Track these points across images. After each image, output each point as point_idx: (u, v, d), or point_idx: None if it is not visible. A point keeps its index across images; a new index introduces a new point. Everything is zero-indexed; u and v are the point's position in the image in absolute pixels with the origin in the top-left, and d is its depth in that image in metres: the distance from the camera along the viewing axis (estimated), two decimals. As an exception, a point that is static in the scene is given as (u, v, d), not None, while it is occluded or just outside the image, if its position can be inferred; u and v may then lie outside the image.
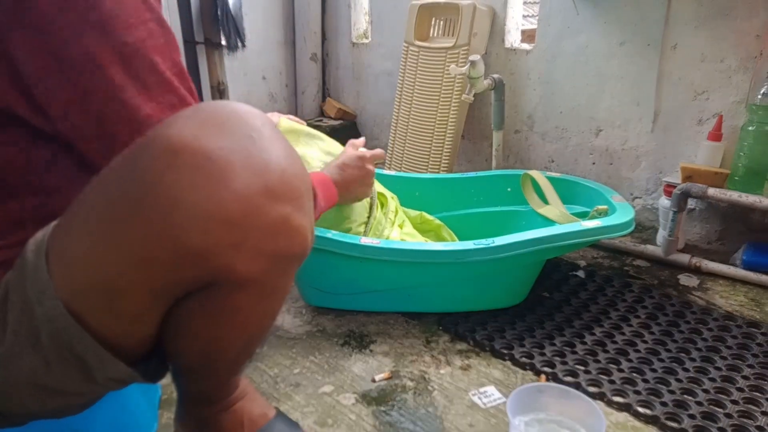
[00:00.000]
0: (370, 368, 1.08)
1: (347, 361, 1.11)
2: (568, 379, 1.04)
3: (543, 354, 1.11)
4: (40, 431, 0.64)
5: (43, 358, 0.54)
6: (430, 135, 1.95)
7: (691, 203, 1.60)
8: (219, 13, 2.10)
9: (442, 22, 1.99)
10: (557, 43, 1.76)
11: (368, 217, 1.25)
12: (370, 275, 1.21)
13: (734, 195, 1.37)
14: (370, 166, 1.09)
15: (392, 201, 1.37)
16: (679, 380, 1.03)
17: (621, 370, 1.06)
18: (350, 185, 1.05)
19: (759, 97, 1.37)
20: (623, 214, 1.25)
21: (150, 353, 0.60)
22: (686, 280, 1.46)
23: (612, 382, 1.03)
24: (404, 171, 2.01)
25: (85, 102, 0.54)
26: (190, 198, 0.48)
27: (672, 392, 1.00)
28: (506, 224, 1.52)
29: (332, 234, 1.14)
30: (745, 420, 0.93)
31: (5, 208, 0.59)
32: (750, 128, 1.38)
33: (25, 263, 0.53)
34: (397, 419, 0.95)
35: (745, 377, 1.05)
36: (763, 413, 0.95)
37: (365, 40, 2.37)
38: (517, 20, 1.92)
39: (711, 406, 0.97)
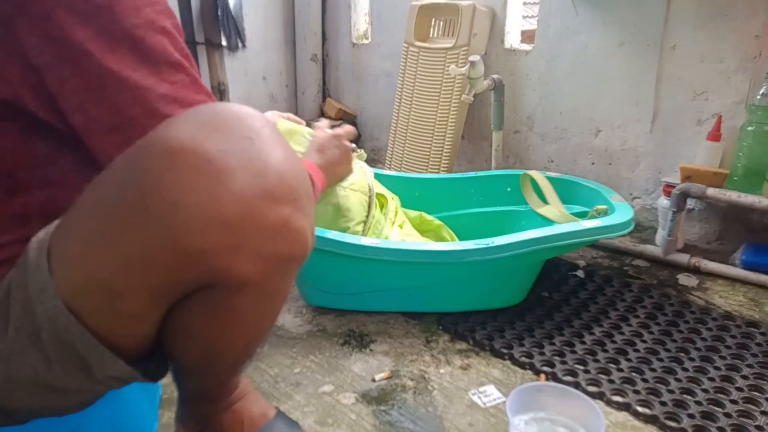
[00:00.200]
0: (370, 368, 1.08)
1: (347, 360, 1.11)
2: (568, 378, 1.04)
3: (542, 354, 1.11)
4: (41, 430, 0.64)
5: (44, 355, 0.54)
6: (430, 135, 1.95)
7: (691, 203, 1.60)
8: (219, 13, 2.10)
9: (442, 23, 1.99)
10: (557, 43, 1.77)
11: (366, 216, 1.25)
12: (370, 275, 1.21)
13: (733, 195, 1.37)
14: (347, 143, 1.09)
15: (392, 201, 1.37)
16: (678, 380, 1.04)
17: (620, 370, 1.07)
18: (334, 166, 1.04)
19: (758, 97, 1.37)
20: (622, 214, 1.25)
21: (150, 352, 0.60)
22: (685, 280, 1.46)
23: (611, 381, 1.03)
24: (404, 171, 2.02)
25: (98, 88, 0.54)
26: (190, 200, 0.48)
27: (671, 392, 1.00)
28: (506, 224, 1.52)
29: (332, 234, 1.14)
30: (744, 420, 0.94)
31: (11, 203, 0.59)
32: (749, 128, 1.38)
33: (27, 262, 0.54)
34: (397, 419, 0.95)
35: (744, 377, 1.05)
36: (763, 413, 0.95)
37: (365, 41, 2.37)
38: (517, 20, 1.92)
39: (710, 406, 0.97)
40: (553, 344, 1.15)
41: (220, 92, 2.19)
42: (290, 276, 0.60)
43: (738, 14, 1.43)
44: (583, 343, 1.15)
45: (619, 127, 1.71)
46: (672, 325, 1.22)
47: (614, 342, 1.16)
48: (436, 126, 1.93)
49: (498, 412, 0.97)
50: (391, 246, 1.14)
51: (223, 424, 0.71)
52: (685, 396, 0.99)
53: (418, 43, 1.98)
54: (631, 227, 1.24)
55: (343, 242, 1.13)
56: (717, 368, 1.07)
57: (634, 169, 1.72)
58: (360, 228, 1.24)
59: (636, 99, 1.65)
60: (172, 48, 0.58)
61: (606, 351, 1.13)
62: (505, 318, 1.25)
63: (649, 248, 1.57)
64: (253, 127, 0.52)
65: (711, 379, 1.04)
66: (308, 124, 1.20)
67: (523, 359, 1.10)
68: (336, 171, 1.06)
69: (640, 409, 0.96)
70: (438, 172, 1.92)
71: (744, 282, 1.43)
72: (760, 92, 1.36)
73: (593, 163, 1.80)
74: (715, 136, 1.45)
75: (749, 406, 0.97)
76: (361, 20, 2.39)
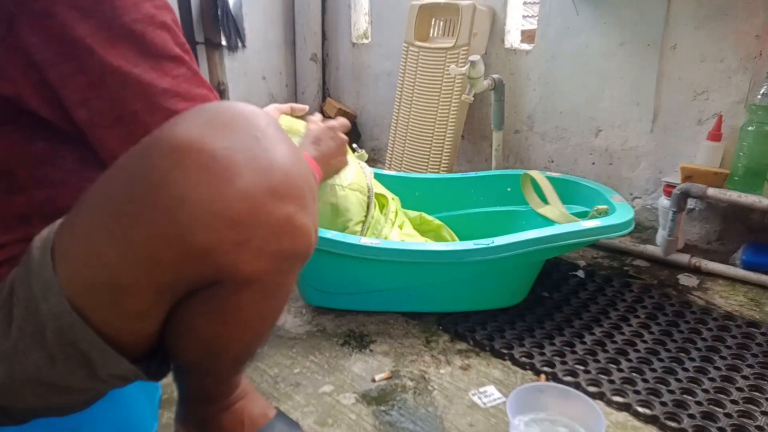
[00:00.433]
0: (370, 368, 1.08)
1: (347, 360, 1.11)
2: (568, 378, 1.04)
3: (543, 354, 1.11)
4: (42, 430, 0.64)
5: (48, 354, 0.54)
6: (430, 135, 1.95)
7: (691, 203, 1.60)
8: (219, 13, 2.10)
9: (442, 23, 1.99)
10: (557, 43, 1.77)
11: (365, 216, 1.25)
12: (370, 275, 1.21)
13: (734, 195, 1.37)
14: (342, 135, 1.08)
15: (392, 202, 1.37)
16: (678, 380, 1.04)
17: (621, 370, 1.07)
18: (329, 159, 1.04)
19: (759, 97, 1.37)
20: (623, 214, 1.25)
21: (153, 351, 0.61)
22: (686, 280, 1.46)
23: (612, 381, 1.03)
24: (404, 171, 2.02)
25: (101, 84, 0.55)
26: (195, 197, 0.48)
27: (672, 392, 1.00)
28: (506, 224, 1.52)
29: (332, 234, 1.14)
30: (744, 420, 0.94)
31: (12, 202, 0.59)
32: (750, 128, 1.38)
33: (30, 260, 0.54)
34: (397, 419, 0.95)
35: (744, 377, 1.05)
36: (763, 413, 0.95)
37: (365, 41, 2.37)
38: (517, 20, 1.92)
39: (711, 406, 0.97)
40: (554, 344, 1.15)
41: (220, 92, 2.19)
42: (293, 273, 0.60)
43: (738, 14, 1.43)
44: (584, 343, 1.15)
45: (619, 127, 1.71)
46: (672, 325, 1.22)
47: (614, 342, 1.16)
48: (436, 126, 1.93)
49: (498, 412, 0.97)
50: (391, 246, 1.14)
51: (223, 424, 0.71)
52: (685, 396, 0.99)
53: (418, 43, 1.98)
54: (632, 227, 1.24)
55: (342, 242, 1.13)
56: (717, 368, 1.07)
57: (635, 168, 1.72)
58: (359, 228, 1.24)
59: (636, 99, 1.65)
60: (172, 42, 0.58)
61: (606, 351, 1.13)
62: (506, 318, 1.25)
63: (649, 248, 1.57)
64: (259, 126, 0.53)
65: (711, 380, 1.04)
66: (303, 119, 1.19)
67: (524, 359, 1.10)
68: (331, 163, 1.05)
69: (640, 409, 0.96)
70: (438, 172, 1.92)
71: (744, 282, 1.43)
72: (761, 92, 1.36)
73: (593, 163, 1.80)
74: (715, 135, 1.45)
75: (750, 406, 0.97)
76: (361, 20, 2.39)
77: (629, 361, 1.09)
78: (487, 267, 1.18)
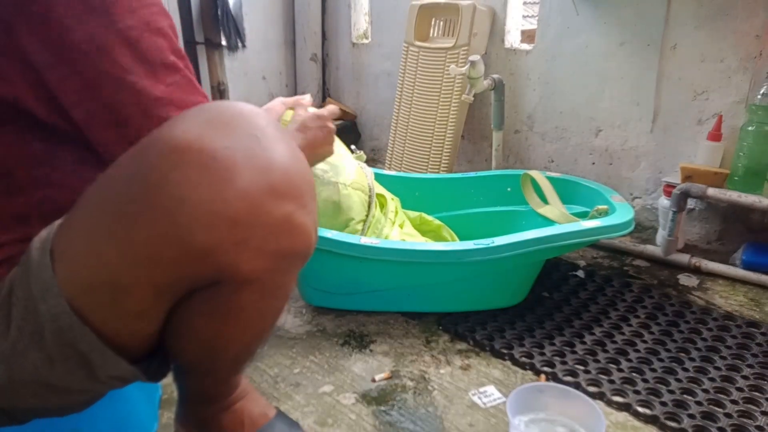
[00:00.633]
0: (370, 368, 1.08)
1: (347, 360, 1.11)
2: (568, 378, 1.04)
3: (543, 354, 1.11)
4: (42, 430, 0.64)
5: (46, 355, 0.54)
6: (430, 135, 1.95)
7: (691, 203, 1.60)
8: (219, 13, 2.10)
9: (442, 23, 1.99)
10: (557, 43, 1.77)
11: (366, 216, 1.25)
12: (370, 275, 1.21)
13: (734, 195, 1.37)
14: (331, 124, 1.05)
15: (392, 202, 1.37)
16: (678, 380, 1.04)
17: (621, 370, 1.07)
18: (316, 147, 1.00)
19: (759, 97, 1.37)
20: (623, 214, 1.25)
21: (152, 352, 0.60)
22: (686, 280, 1.46)
23: (612, 381, 1.03)
24: (404, 171, 2.02)
25: (96, 87, 0.55)
26: (195, 196, 0.48)
27: (672, 392, 1.00)
28: (506, 224, 1.52)
29: (332, 234, 1.14)
30: (744, 420, 0.94)
31: (11, 203, 0.59)
32: (750, 128, 1.38)
33: (29, 260, 0.54)
34: (397, 419, 0.95)
35: (744, 377, 1.05)
36: (763, 413, 0.95)
37: (365, 41, 2.37)
38: (517, 20, 1.92)
39: (711, 406, 0.97)
40: (554, 344, 1.15)
41: (220, 92, 2.19)
42: (293, 273, 0.60)
43: (738, 14, 1.43)
44: (584, 343, 1.15)
45: (619, 127, 1.71)
46: (672, 325, 1.22)
47: (614, 342, 1.16)
48: (436, 126, 1.93)
49: (498, 412, 0.97)
50: (391, 246, 1.14)
51: (223, 424, 0.71)
52: (685, 396, 0.99)
53: (418, 43, 1.98)
54: (632, 227, 1.24)
55: (342, 242, 1.13)
56: (717, 368, 1.07)
57: (635, 168, 1.72)
58: (360, 227, 1.24)
59: (636, 99, 1.65)
60: (168, 49, 0.58)
61: (606, 351, 1.13)
62: (505, 318, 1.25)
63: (649, 248, 1.57)
64: (258, 125, 0.53)
65: (711, 380, 1.04)
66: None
67: (524, 359, 1.10)
68: (317, 152, 1.01)
69: (640, 409, 0.96)
70: (438, 172, 1.92)
71: (744, 282, 1.43)
72: (761, 92, 1.36)
73: (593, 163, 1.80)
74: (715, 135, 1.45)
75: (750, 406, 0.97)
76: (361, 20, 2.39)
77: (629, 361, 1.09)
78: (487, 267, 1.18)
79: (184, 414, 0.72)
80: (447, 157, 1.92)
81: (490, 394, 1.01)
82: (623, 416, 0.96)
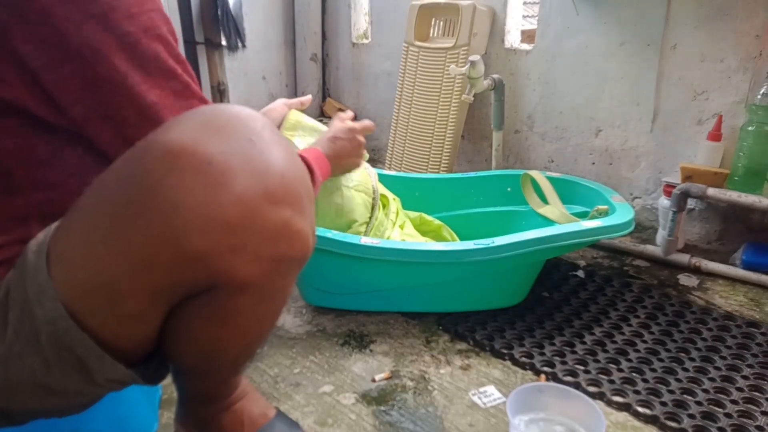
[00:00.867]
0: (370, 368, 1.08)
1: (347, 360, 1.11)
2: (568, 378, 1.04)
3: (543, 354, 1.11)
4: (41, 431, 0.64)
5: (43, 358, 0.54)
6: (430, 135, 1.95)
7: (691, 203, 1.60)
8: (219, 13, 2.10)
9: (442, 23, 1.99)
10: (557, 43, 1.77)
11: (370, 218, 1.25)
12: (370, 275, 1.21)
13: (734, 195, 1.37)
14: (361, 138, 1.08)
15: (393, 202, 1.37)
16: (678, 380, 1.04)
17: (621, 370, 1.06)
18: (342, 158, 1.03)
19: (759, 97, 1.37)
20: (623, 214, 1.25)
21: (150, 355, 0.60)
22: (686, 280, 1.46)
23: (612, 381, 1.03)
24: (404, 171, 2.02)
25: (95, 89, 0.55)
26: (191, 201, 0.48)
27: (672, 392, 1.00)
28: (506, 224, 1.52)
29: (332, 234, 1.14)
30: (744, 420, 0.94)
31: (10, 204, 0.59)
32: (750, 128, 1.38)
33: (26, 264, 0.54)
34: (397, 419, 0.95)
35: (744, 377, 1.05)
36: (763, 413, 0.95)
37: (365, 41, 2.37)
38: (517, 20, 1.92)
39: (711, 406, 0.97)
40: (554, 344, 1.15)
41: (220, 92, 2.19)
42: (291, 277, 0.60)
43: (738, 14, 1.43)
44: (584, 343, 1.15)
45: (619, 127, 1.71)
46: (672, 325, 1.22)
47: (614, 342, 1.16)
48: (436, 126, 1.93)
49: (498, 412, 0.97)
50: (391, 246, 1.14)
51: (223, 425, 0.71)
52: (685, 396, 0.99)
53: (418, 43, 1.98)
54: (632, 227, 1.23)
55: (343, 242, 1.13)
56: (717, 368, 1.07)
57: (635, 168, 1.72)
58: (363, 229, 1.24)
59: (636, 99, 1.65)
60: (165, 54, 0.58)
61: (606, 351, 1.13)
62: (506, 318, 1.25)
63: (649, 248, 1.56)
64: (254, 129, 0.53)
65: (711, 380, 1.04)
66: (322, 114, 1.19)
67: (524, 359, 1.10)
68: (343, 163, 1.05)
69: (640, 409, 0.96)
70: (438, 172, 1.92)
71: (744, 282, 1.43)
72: (761, 92, 1.36)
73: (593, 163, 1.80)
74: (715, 135, 1.45)
75: (750, 406, 0.97)
76: (361, 20, 2.39)
77: (629, 361, 1.09)
78: (487, 267, 1.18)
79: (184, 414, 0.72)
80: (447, 157, 1.92)
81: (490, 394, 1.01)
82: (623, 416, 0.96)
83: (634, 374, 1.05)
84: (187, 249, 0.48)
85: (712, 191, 1.39)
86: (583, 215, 1.40)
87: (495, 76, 1.68)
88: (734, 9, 1.43)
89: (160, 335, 0.58)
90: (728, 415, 0.94)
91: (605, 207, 1.32)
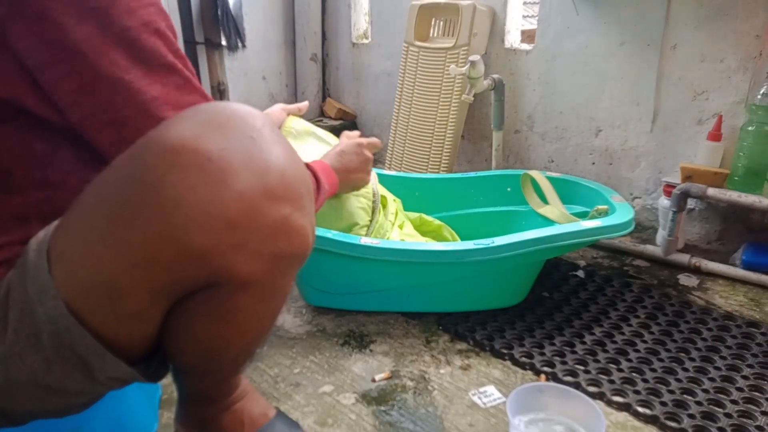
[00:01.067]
0: (370, 368, 1.08)
1: (347, 360, 1.11)
2: (568, 378, 1.04)
3: (543, 354, 1.11)
4: (41, 431, 0.64)
5: (44, 357, 0.54)
6: (430, 135, 1.95)
7: (691, 203, 1.60)
8: (219, 13, 2.10)
9: (442, 23, 1.99)
10: (557, 43, 1.77)
11: (370, 221, 1.25)
12: (370, 275, 1.21)
13: (734, 195, 1.37)
14: (368, 153, 1.09)
15: (393, 203, 1.37)
16: (678, 380, 1.04)
17: (621, 370, 1.06)
18: (350, 172, 1.05)
19: (759, 97, 1.37)
20: (623, 214, 1.25)
21: (151, 353, 0.60)
22: (686, 280, 1.46)
23: (612, 381, 1.03)
24: (404, 171, 2.02)
25: (91, 89, 0.55)
26: (191, 198, 0.48)
27: (672, 392, 1.00)
28: (506, 224, 1.52)
29: (332, 234, 1.14)
30: (744, 420, 0.94)
31: (10, 203, 0.59)
32: (749, 128, 1.38)
33: (26, 262, 0.54)
34: (397, 419, 0.95)
35: (744, 377, 1.05)
36: (763, 413, 0.95)
37: (365, 41, 2.37)
38: (517, 20, 1.92)
39: (711, 406, 0.97)
40: (554, 344, 1.15)
41: (220, 92, 2.19)
42: (291, 275, 0.60)
43: (738, 14, 1.43)
44: (584, 343, 1.15)
45: (619, 127, 1.71)
46: (672, 325, 1.22)
47: (614, 342, 1.16)
48: (436, 126, 1.93)
49: (498, 412, 0.97)
50: (391, 246, 1.14)
51: (223, 424, 0.71)
52: (685, 396, 0.99)
53: (418, 43, 1.98)
54: (632, 227, 1.23)
55: (343, 242, 1.13)
56: (717, 368, 1.07)
57: (635, 168, 1.72)
58: (363, 232, 1.24)
59: (636, 99, 1.65)
60: (165, 49, 0.58)
61: (606, 351, 1.13)
62: (506, 318, 1.25)
63: (649, 248, 1.56)
64: (255, 126, 0.53)
65: (711, 380, 1.04)
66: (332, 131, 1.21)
67: (524, 359, 1.10)
68: (351, 178, 1.07)
69: (640, 409, 0.96)
70: (438, 172, 1.92)
71: (744, 282, 1.43)
72: (761, 92, 1.36)
73: (593, 163, 1.80)
74: (715, 135, 1.45)
75: (750, 406, 0.97)
76: (361, 20, 2.39)
77: (629, 361, 1.09)
78: (487, 267, 1.18)
79: (184, 414, 0.72)
80: (447, 157, 1.92)
81: (490, 394, 1.01)
82: (623, 416, 0.96)
83: (634, 374, 1.05)
84: (187, 246, 0.48)
85: (712, 191, 1.39)
86: (583, 215, 1.40)
87: (495, 76, 1.68)
88: (734, 9, 1.43)
89: (161, 333, 0.58)
90: (728, 415, 0.94)
91: (605, 207, 1.32)
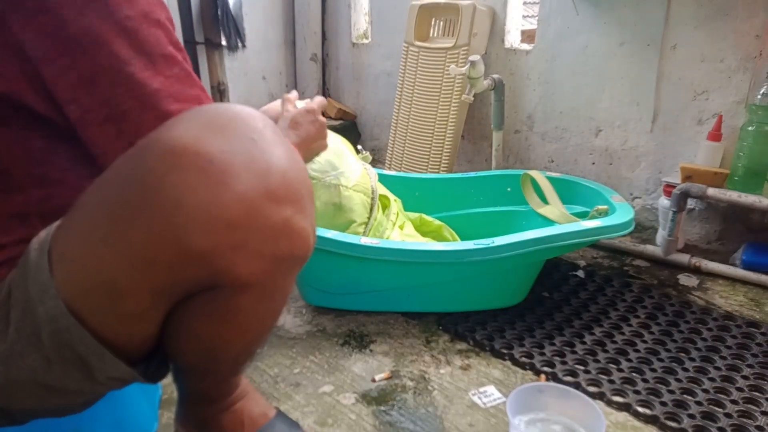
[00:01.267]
0: (370, 368, 1.08)
1: (347, 360, 1.11)
2: (568, 378, 1.04)
3: (543, 354, 1.11)
4: (41, 430, 0.64)
5: (44, 356, 0.54)
6: (430, 135, 1.95)
7: (691, 203, 1.60)
8: (219, 13, 2.10)
9: (442, 23, 1.99)
10: (557, 43, 1.77)
11: (368, 218, 1.25)
12: (370, 275, 1.21)
13: (734, 195, 1.37)
14: (321, 117, 1.03)
15: (394, 204, 1.37)
16: (678, 380, 1.04)
17: (621, 370, 1.06)
18: (309, 143, 0.98)
19: (759, 97, 1.37)
20: (623, 214, 1.25)
21: (151, 353, 0.60)
22: (686, 280, 1.46)
23: (612, 381, 1.03)
24: (404, 171, 2.02)
25: (92, 82, 0.54)
26: (192, 200, 0.48)
27: (672, 392, 1.00)
28: (506, 224, 1.52)
29: (332, 234, 1.14)
30: (744, 420, 0.94)
31: (10, 202, 0.59)
32: (750, 128, 1.38)
33: (27, 262, 0.54)
34: (397, 419, 0.95)
35: (744, 377, 1.05)
36: (763, 413, 0.95)
37: (365, 41, 2.37)
38: (517, 20, 1.92)
39: (711, 406, 0.97)
40: (554, 344, 1.15)
41: (220, 92, 2.19)
42: (292, 276, 0.60)
43: (738, 14, 1.43)
44: (584, 343, 1.15)
45: (619, 127, 1.71)
46: (672, 325, 1.22)
47: (614, 342, 1.16)
48: (436, 126, 1.93)
49: (498, 412, 0.97)
50: (391, 246, 1.14)
51: (223, 425, 0.71)
52: (685, 396, 0.99)
53: (418, 43, 1.98)
54: (632, 227, 1.24)
55: (343, 242, 1.13)
56: (717, 368, 1.07)
57: (635, 168, 1.72)
58: (361, 229, 1.24)
59: (636, 99, 1.65)
60: (166, 40, 0.58)
61: (606, 351, 1.13)
62: (506, 318, 1.25)
63: (649, 248, 1.57)
64: (256, 128, 0.53)
65: (711, 380, 1.04)
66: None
67: (524, 359, 1.10)
68: (311, 147, 0.98)
69: (640, 409, 0.96)
70: (438, 172, 1.92)
71: (744, 282, 1.43)
72: (761, 92, 1.36)
73: (593, 163, 1.80)
74: (715, 135, 1.45)
75: (750, 406, 0.97)
76: (361, 20, 2.39)
77: (629, 361, 1.09)
78: (487, 267, 1.18)
79: (184, 414, 0.72)
80: (447, 157, 1.92)
81: (490, 394, 1.01)
82: (623, 416, 0.96)
83: (634, 374, 1.05)
84: (188, 247, 0.48)
85: (712, 191, 1.39)
86: (583, 215, 1.40)
87: (495, 76, 1.68)
88: (734, 9, 1.43)
89: (161, 333, 0.58)
90: (728, 415, 0.94)
91: (605, 207, 1.33)
